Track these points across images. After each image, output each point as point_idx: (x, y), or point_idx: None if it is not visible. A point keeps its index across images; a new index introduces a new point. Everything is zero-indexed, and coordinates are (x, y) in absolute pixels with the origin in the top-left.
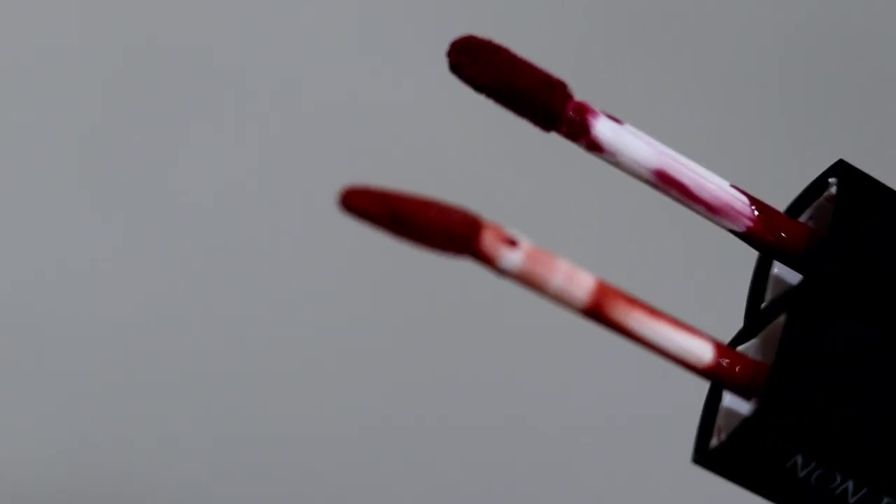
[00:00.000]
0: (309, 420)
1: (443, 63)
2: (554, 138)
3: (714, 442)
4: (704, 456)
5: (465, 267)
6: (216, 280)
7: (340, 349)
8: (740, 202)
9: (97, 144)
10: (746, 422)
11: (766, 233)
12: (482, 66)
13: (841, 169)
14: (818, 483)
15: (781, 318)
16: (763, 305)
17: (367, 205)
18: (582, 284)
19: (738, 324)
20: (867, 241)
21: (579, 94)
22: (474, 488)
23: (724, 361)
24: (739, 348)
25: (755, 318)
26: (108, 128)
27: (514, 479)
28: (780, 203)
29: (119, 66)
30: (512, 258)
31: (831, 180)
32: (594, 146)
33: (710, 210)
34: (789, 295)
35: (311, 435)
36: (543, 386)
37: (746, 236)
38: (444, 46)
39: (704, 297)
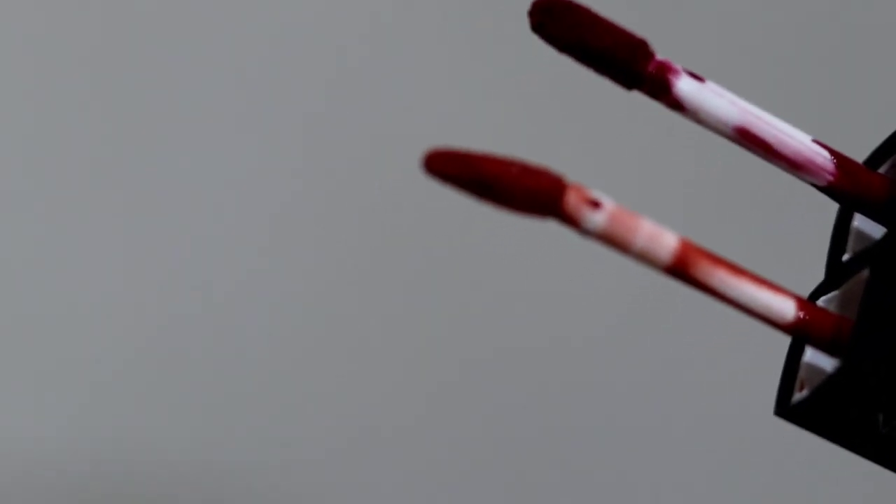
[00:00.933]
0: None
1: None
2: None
3: (797, 396)
4: (787, 409)
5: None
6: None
7: (340, 348)
8: (822, 157)
9: (98, 143)
10: (830, 379)
11: (847, 186)
12: (563, 27)
13: None
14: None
15: (864, 273)
16: (845, 258)
17: (450, 168)
18: (665, 245)
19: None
20: None
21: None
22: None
23: (807, 317)
24: (821, 301)
25: (836, 271)
26: (108, 127)
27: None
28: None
29: (117, 66)
30: (596, 219)
31: None
32: (676, 104)
33: (792, 165)
34: (872, 249)
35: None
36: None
37: (828, 190)
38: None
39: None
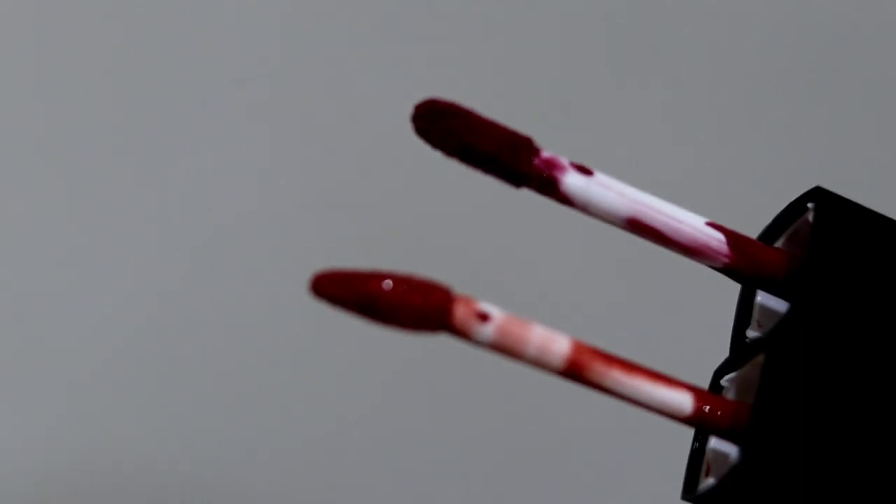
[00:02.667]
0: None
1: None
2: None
3: (704, 483)
4: (693, 496)
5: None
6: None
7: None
8: (715, 241)
9: (97, 143)
10: (733, 468)
11: (744, 266)
12: (445, 133)
13: (818, 194)
14: None
15: (760, 358)
16: (749, 335)
17: (335, 290)
18: (556, 352)
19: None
20: (847, 263)
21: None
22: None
23: (705, 408)
24: (724, 380)
25: (741, 348)
26: (107, 127)
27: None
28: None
29: (116, 66)
30: (485, 332)
31: (809, 205)
32: (565, 200)
33: (687, 251)
34: (771, 331)
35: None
36: None
37: (726, 271)
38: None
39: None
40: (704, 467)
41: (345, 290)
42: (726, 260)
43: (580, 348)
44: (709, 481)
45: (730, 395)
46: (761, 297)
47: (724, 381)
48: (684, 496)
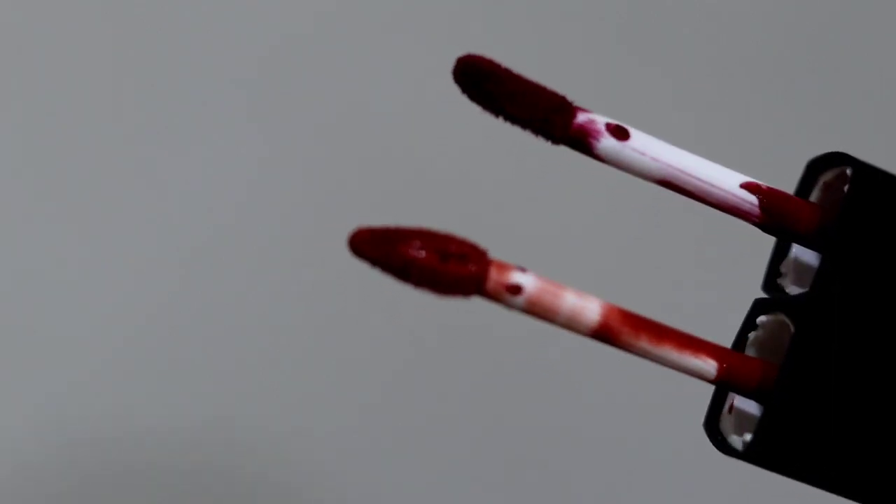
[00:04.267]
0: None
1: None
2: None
3: (728, 433)
4: (720, 446)
5: None
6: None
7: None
8: (748, 203)
9: (97, 142)
10: (751, 445)
11: (776, 224)
12: (482, 96)
13: (847, 156)
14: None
15: (787, 319)
16: (779, 288)
17: (371, 251)
18: (587, 318)
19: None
20: (881, 219)
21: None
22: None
23: (729, 370)
24: (762, 318)
25: (770, 305)
26: (107, 126)
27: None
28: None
29: (117, 65)
30: (518, 299)
31: (842, 163)
32: (599, 160)
33: (720, 209)
34: (796, 298)
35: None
36: None
37: (759, 227)
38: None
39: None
40: (726, 411)
41: (380, 253)
42: (757, 220)
43: (610, 314)
44: (733, 437)
45: (754, 350)
46: (796, 251)
47: (750, 336)
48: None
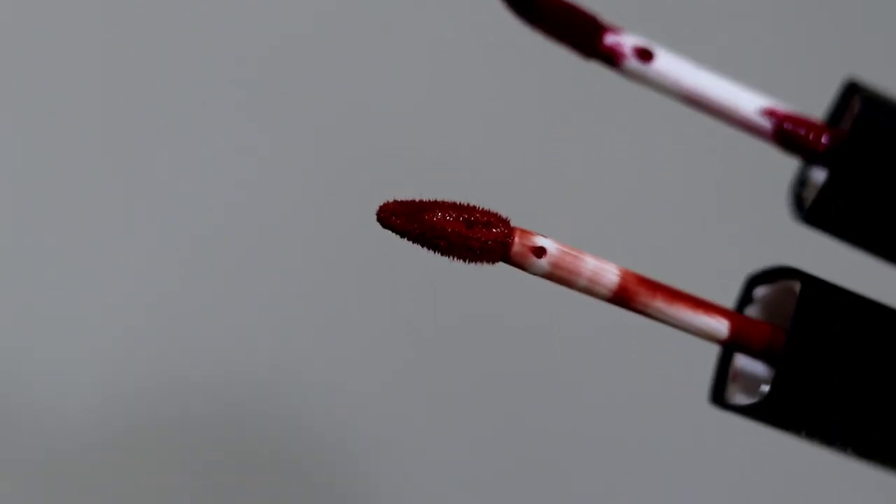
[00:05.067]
0: None
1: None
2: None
3: (733, 394)
4: (722, 404)
5: None
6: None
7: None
8: (765, 129)
9: (97, 142)
10: (758, 403)
11: (789, 145)
12: (524, 6)
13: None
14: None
15: (794, 284)
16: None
17: (399, 222)
18: (606, 282)
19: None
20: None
21: None
22: None
23: (740, 332)
24: (759, 291)
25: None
26: (107, 126)
27: None
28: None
29: (117, 65)
30: (541, 264)
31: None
32: (628, 77)
33: (737, 129)
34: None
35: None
36: None
37: (778, 146)
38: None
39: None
40: (732, 378)
41: (409, 223)
42: (770, 141)
43: (627, 276)
44: (739, 396)
45: (758, 309)
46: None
47: (756, 293)
48: (716, 403)
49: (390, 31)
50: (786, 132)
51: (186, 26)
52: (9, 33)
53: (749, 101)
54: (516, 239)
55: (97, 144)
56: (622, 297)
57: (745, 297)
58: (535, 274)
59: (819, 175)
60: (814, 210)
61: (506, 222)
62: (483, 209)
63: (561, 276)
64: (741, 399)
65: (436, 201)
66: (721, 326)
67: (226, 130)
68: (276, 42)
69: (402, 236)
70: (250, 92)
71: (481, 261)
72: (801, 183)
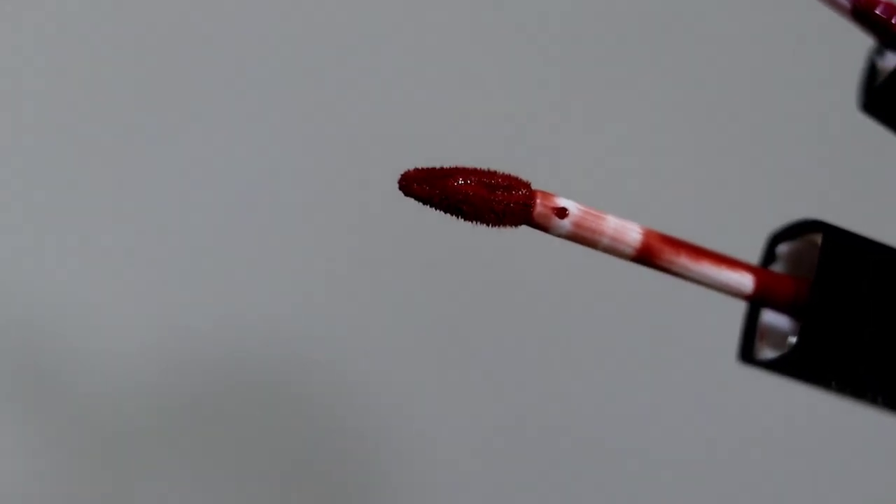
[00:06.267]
0: None
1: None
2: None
3: (761, 349)
4: (751, 361)
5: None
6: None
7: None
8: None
9: (97, 141)
10: (787, 355)
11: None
12: (429, 192)
13: None
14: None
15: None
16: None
17: (421, 189)
18: (629, 241)
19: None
20: None
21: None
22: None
23: (765, 286)
24: (782, 248)
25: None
26: (107, 126)
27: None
28: None
29: (119, 63)
30: (563, 225)
31: None
32: None
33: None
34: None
35: None
36: None
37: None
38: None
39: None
40: (759, 335)
41: (431, 189)
42: (848, 17)
43: (650, 238)
44: (766, 351)
45: (782, 265)
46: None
47: (779, 250)
48: (745, 360)
49: (391, 31)
50: (862, 8)
51: (187, 26)
52: (10, 33)
53: None
54: (538, 200)
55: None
56: (646, 255)
57: (769, 255)
58: (557, 235)
59: (890, 60)
60: (882, 92)
61: (527, 185)
62: (503, 173)
63: (584, 237)
64: (769, 356)
65: (456, 167)
66: (746, 281)
67: (224, 131)
68: (277, 42)
69: (425, 203)
70: (251, 92)
71: (505, 224)
72: (871, 69)
